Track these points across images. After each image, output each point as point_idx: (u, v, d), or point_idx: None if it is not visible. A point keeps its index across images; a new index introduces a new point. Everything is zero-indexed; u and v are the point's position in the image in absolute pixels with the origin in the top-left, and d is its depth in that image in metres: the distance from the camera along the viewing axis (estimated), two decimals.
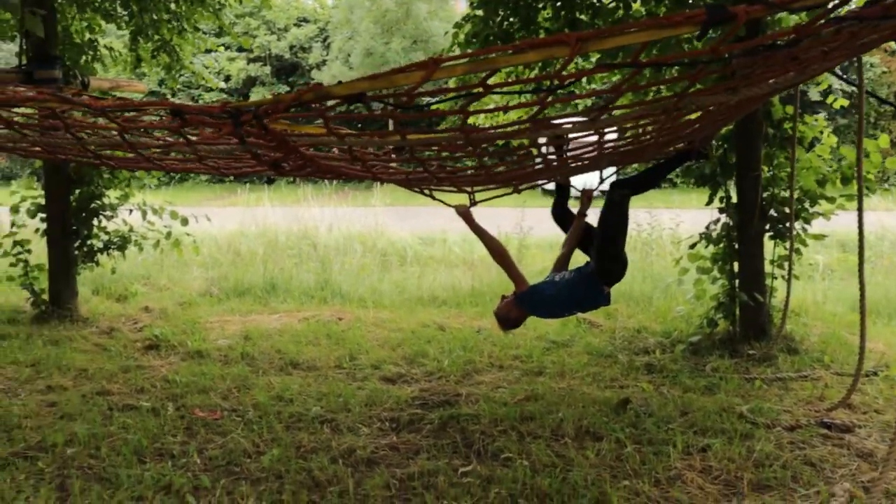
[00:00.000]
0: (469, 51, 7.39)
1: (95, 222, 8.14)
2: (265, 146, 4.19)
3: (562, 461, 4.43)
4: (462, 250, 11.97)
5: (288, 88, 30.30)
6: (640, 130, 4.10)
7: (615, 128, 3.96)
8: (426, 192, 5.26)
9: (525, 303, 4.81)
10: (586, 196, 5.23)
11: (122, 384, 5.90)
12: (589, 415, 5.09)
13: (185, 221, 8.38)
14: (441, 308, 8.44)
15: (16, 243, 7.88)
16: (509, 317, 4.88)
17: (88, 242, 8.13)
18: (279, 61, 30.86)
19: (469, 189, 5.13)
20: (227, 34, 8.78)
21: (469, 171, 4.71)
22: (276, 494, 4.08)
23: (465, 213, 4.84)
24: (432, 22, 26.81)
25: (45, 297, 7.89)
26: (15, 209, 8.04)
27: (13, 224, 7.97)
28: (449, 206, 4.94)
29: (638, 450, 4.57)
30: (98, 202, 8.09)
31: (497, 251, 4.73)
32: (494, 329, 7.31)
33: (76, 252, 8.05)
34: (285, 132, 3.83)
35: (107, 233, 8.26)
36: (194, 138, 4.29)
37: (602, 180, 5.29)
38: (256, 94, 28.85)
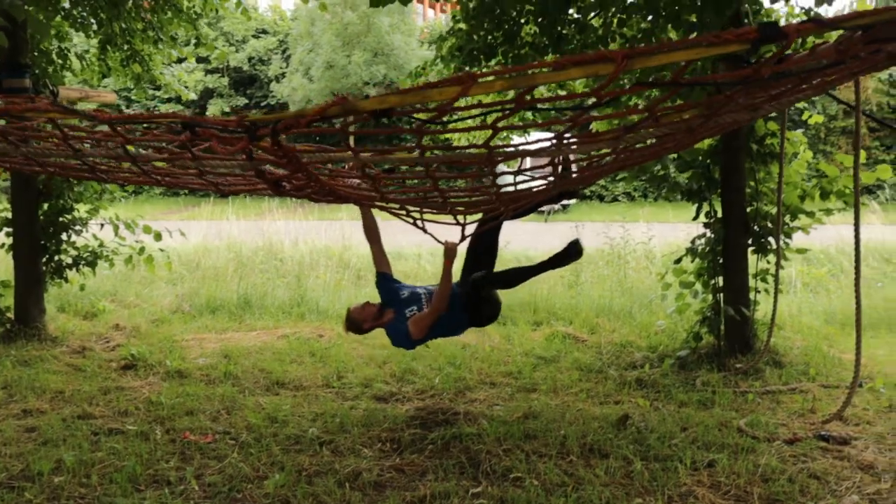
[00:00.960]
0: (454, 65, 7.36)
1: (64, 237, 7.86)
2: (273, 163, 4.06)
3: (572, 480, 4.37)
4: (433, 266, 11.88)
5: (246, 101, 30.00)
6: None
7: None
8: (419, 224, 5.18)
9: (398, 336, 5.07)
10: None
11: (104, 407, 5.67)
12: (591, 431, 5.05)
13: (158, 236, 8.14)
14: None
15: None
16: (363, 327, 5.14)
17: (56, 258, 7.84)
18: (237, 73, 30.47)
19: (462, 221, 5.09)
20: (202, 44, 8.60)
21: (480, 193, 4.65)
22: None
23: (451, 252, 4.88)
24: (394, 35, 26.80)
25: (11, 314, 7.58)
26: None
27: None
28: (439, 241, 4.97)
29: (646, 466, 4.53)
30: (67, 216, 7.81)
31: (443, 302, 4.94)
32: (481, 345, 7.27)
33: (44, 268, 7.76)
34: (295, 149, 3.72)
35: (76, 248, 7.98)
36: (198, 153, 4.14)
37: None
38: (214, 106, 28.41)
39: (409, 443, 4.93)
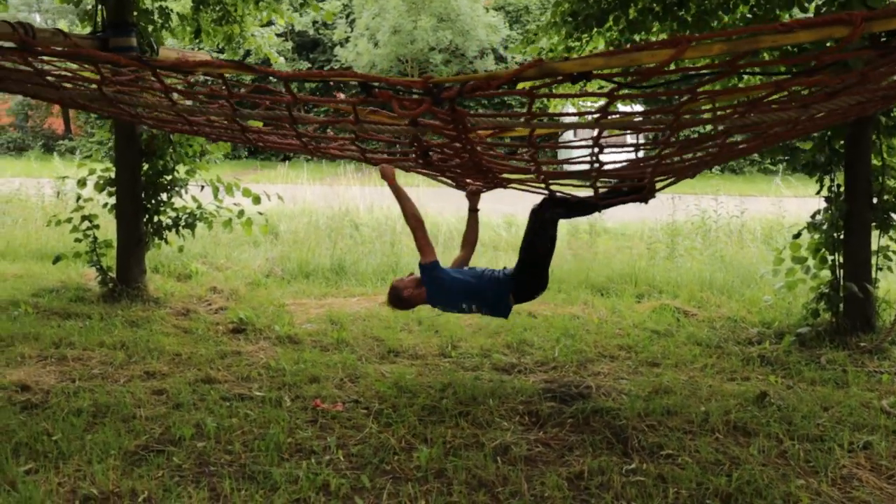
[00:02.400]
0: (565, 30, 7.15)
1: (164, 198, 7.83)
2: (436, 129, 3.91)
3: (727, 458, 4.25)
4: (509, 234, 11.75)
5: (309, 65, 30.04)
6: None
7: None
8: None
9: (432, 281, 4.79)
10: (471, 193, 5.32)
11: (225, 371, 5.64)
12: (732, 408, 4.90)
13: (257, 199, 8.07)
14: None
15: (84, 218, 7.57)
16: (402, 295, 4.88)
17: (156, 219, 7.82)
18: (301, 37, 30.40)
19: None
20: (308, 4, 8.48)
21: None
22: (446, 496, 3.86)
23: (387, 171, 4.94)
24: (460, 0, 26.59)
25: (113, 274, 7.60)
26: (82, 182, 7.72)
27: (79, 198, 7.66)
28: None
29: (799, 447, 4.39)
30: (167, 177, 7.78)
31: (409, 219, 4.97)
32: (589, 317, 7.14)
33: (144, 228, 7.75)
34: (466, 113, 3.58)
35: (175, 209, 7.95)
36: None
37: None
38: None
39: (547, 416, 4.83)
